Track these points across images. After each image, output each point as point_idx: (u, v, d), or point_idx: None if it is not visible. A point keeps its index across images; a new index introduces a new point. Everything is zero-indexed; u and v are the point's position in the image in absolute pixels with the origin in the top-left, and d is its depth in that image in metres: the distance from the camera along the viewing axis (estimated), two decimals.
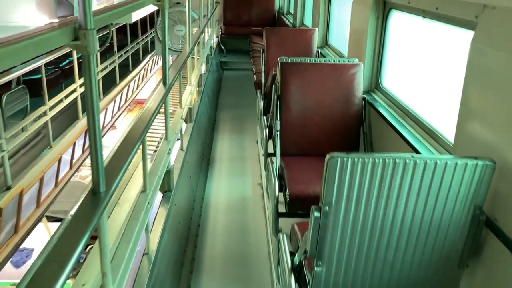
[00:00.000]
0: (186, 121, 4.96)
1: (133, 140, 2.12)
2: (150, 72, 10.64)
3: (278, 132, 3.41)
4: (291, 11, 9.49)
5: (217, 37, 11.07)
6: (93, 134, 1.54)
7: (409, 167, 1.69)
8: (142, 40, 9.70)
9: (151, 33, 10.42)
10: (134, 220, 2.36)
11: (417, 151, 2.61)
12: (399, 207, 1.76)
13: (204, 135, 5.70)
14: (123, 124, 10.33)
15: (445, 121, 2.54)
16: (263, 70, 5.45)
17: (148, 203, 2.59)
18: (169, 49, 8.10)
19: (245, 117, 7.00)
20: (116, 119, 9.60)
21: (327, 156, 1.69)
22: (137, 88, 9.51)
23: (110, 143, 8.79)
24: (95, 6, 1.67)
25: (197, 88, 6.16)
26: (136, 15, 6.05)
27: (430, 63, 2.77)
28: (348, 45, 4.20)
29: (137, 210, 2.47)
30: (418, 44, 2.96)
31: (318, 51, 5.34)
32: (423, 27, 2.83)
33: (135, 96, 9.67)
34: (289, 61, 3.53)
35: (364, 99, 3.41)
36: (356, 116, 3.42)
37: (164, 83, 3.20)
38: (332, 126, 3.43)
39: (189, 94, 4.77)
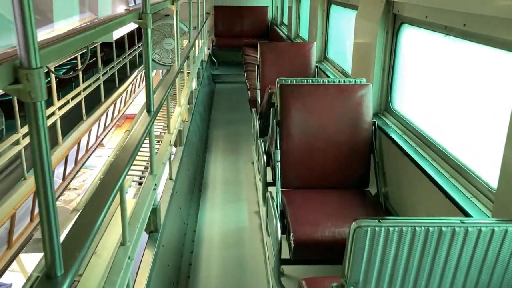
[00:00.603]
0: (175, 145, 4.56)
1: (107, 191, 1.72)
2: (139, 87, 10.21)
3: (279, 163, 3.03)
4: (285, 22, 9.16)
5: (208, 49, 10.71)
6: (45, 202, 1.13)
7: (459, 235, 1.30)
8: (129, 54, 9.25)
9: (139, 46, 10.01)
10: (110, 284, 1.95)
11: (441, 188, 2.23)
12: (443, 285, 1.37)
13: (195, 158, 5.30)
14: (112, 141, 9.89)
15: (477, 157, 2.17)
16: (258, 87, 5.08)
17: (129, 257, 2.19)
18: (158, 63, 7.74)
19: (239, 135, 6.62)
20: (103, 138, 9.17)
21: (353, 225, 1.30)
22: (124, 105, 9.07)
23: (97, 163, 8.36)
24: (46, 33, 1.25)
25: (188, 106, 5.78)
26: (120, 31, 5.63)
27: (454, 85, 2.41)
28: (352, 62, 3.84)
29: (115, 269, 2.06)
30: (437, 64, 2.60)
31: (317, 67, 4.99)
32: (444, 44, 2.47)
33: (123, 113, 9.21)
34: (289, 82, 3.16)
35: (374, 123, 3.04)
36: (366, 143, 3.05)
37: (149, 111, 2.81)
38: (339, 155, 3.05)
39: (179, 116, 4.38)
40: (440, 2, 2.29)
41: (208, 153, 6.03)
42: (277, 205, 2.89)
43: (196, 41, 7.72)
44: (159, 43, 7.55)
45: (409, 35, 2.98)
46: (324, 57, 5.40)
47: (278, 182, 3.00)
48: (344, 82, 3.17)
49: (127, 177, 2.01)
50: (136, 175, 4.56)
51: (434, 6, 2.42)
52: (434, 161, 2.47)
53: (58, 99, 6.30)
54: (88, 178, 7.97)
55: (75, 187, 7.68)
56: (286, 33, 8.20)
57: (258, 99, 5.03)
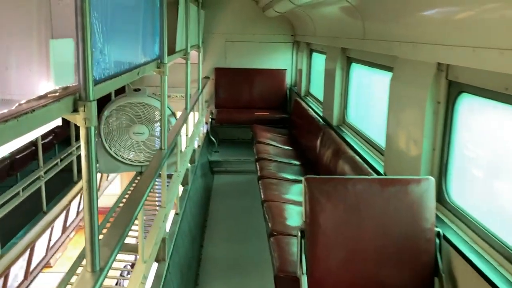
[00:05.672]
0: None
1: None
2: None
3: None
4: (314, 93, 6.45)
5: (206, 123, 7.99)
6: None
7: None
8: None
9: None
10: None
11: None
12: None
13: None
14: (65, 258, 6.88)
15: None
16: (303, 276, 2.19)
17: None
18: (123, 163, 4.96)
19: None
20: (51, 256, 6.27)
21: None
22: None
23: None
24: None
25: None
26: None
27: None
28: None
29: None
30: None
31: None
32: None
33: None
34: None
35: None
36: None
37: None
38: None
39: None
40: None
41: None
42: None
43: (185, 125, 5.01)
44: (125, 131, 4.78)
45: None
46: (442, 200, 2.52)
47: None
48: None
49: None
50: None
51: None
52: None
53: None
54: None
55: None
56: (322, 114, 5.38)
57: None
